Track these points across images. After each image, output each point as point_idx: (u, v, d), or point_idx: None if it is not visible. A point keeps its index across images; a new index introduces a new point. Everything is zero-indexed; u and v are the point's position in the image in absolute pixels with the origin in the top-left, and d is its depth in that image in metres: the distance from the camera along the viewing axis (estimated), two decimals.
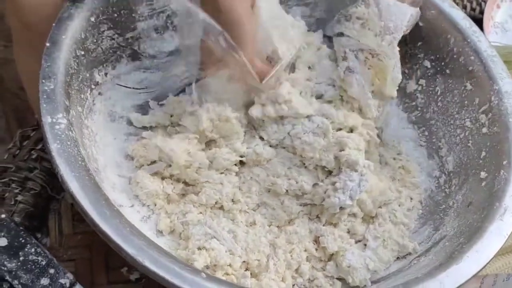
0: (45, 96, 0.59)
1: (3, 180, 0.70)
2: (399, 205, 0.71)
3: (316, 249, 0.68)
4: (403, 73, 0.77)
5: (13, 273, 0.57)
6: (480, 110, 0.71)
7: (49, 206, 0.72)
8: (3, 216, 0.61)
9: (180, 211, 0.67)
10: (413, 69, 0.80)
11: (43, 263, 0.58)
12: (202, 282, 0.51)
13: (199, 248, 0.63)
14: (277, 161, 0.70)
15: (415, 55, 0.79)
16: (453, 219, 0.68)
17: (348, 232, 0.69)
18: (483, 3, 0.95)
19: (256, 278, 0.64)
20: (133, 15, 0.73)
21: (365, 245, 0.69)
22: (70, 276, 0.58)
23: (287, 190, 0.69)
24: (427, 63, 0.78)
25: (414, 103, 0.80)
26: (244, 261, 0.64)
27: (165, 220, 0.67)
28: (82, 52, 0.66)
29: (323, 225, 0.69)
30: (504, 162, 0.65)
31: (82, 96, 0.66)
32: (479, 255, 0.58)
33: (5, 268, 0.57)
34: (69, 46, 0.64)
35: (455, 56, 0.75)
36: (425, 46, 0.78)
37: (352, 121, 0.73)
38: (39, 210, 0.70)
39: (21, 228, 0.61)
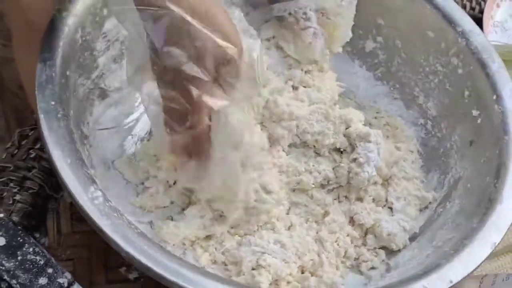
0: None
1: (1, 180, 0.69)
2: (404, 161, 0.75)
3: (353, 229, 0.70)
4: (357, 33, 0.79)
5: (11, 272, 0.56)
6: (450, 53, 0.75)
7: (48, 205, 0.71)
8: (1, 215, 0.59)
9: (216, 242, 0.66)
10: (368, 28, 0.82)
11: (41, 262, 0.57)
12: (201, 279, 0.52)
13: (253, 269, 0.63)
14: (293, 160, 0.70)
15: (366, 14, 0.81)
16: (460, 159, 0.72)
17: (373, 201, 0.72)
18: (482, 3, 0.95)
19: (315, 275, 0.65)
20: (93, 53, 0.69)
21: (391, 208, 0.72)
22: (68, 275, 0.57)
23: (313, 184, 0.69)
24: (381, 20, 0.81)
25: (376, 61, 0.83)
26: (299, 265, 0.65)
27: (204, 255, 0.65)
28: (72, 111, 0.62)
29: (351, 204, 0.71)
30: (494, 97, 0.70)
31: (83, 156, 0.62)
32: None
33: (3, 268, 0.56)
34: (61, 112, 0.59)
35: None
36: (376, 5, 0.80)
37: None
38: (37, 209, 0.69)
39: (19, 227, 0.59)
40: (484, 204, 0.63)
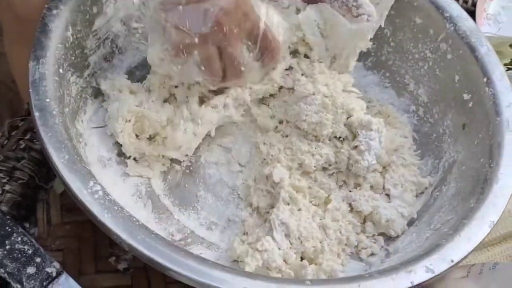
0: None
1: None
2: (402, 148, 0.75)
3: (353, 216, 0.70)
4: None
5: None
6: (438, 39, 0.76)
7: (38, 195, 0.71)
8: None
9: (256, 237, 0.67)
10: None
11: (30, 252, 0.57)
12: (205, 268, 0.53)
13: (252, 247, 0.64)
14: (296, 139, 0.72)
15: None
16: (453, 143, 0.73)
17: (371, 188, 0.72)
18: None
19: (314, 263, 0.65)
20: (84, 51, 0.69)
21: (388, 195, 0.72)
22: (57, 265, 0.57)
23: (315, 166, 0.70)
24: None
25: (365, 50, 0.83)
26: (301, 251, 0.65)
27: (242, 248, 0.66)
28: (67, 109, 0.62)
29: (350, 190, 0.71)
30: (484, 79, 0.71)
31: (80, 153, 0.62)
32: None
33: None
34: (56, 109, 0.59)
35: None
36: None
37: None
38: (27, 199, 0.69)
39: (7, 217, 0.59)
40: (480, 185, 0.64)
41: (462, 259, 0.57)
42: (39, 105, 0.57)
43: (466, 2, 0.95)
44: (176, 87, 0.71)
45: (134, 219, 0.54)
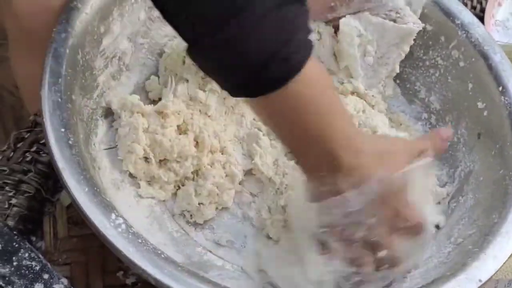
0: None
1: None
2: None
3: None
4: None
5: (7, 278, 0.56)
6: (450, 46, 0.75)
7: (44, 209, 0.70)
8: None
9: None
10: None
11: (37, 268, 0.57)
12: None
13: None
14: None
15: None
16: (468, 153, 0.73)
17: None
18: (483, 1, 0.95)
19: None
20: (93, 72, 0.67)
21: None
22: (65, 281, 0.57)
23: None
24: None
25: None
26: None
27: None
28: (81, 136, 0.60)
29: None
30: (500, 88, 0.70)
31: (97, 181, 0.60)
32: None
33: None
34: (72, 139, 0.57)
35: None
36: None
37: None
38: (33, 213, 0.68)
39: (14, 232, 0.59)
40: (502, 198, 0.64)
41: (490, 278, 0.57)
42: (55, 136, 0.56)
43: (475, 8, 0.95)
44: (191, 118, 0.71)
45: (159, 252, 0.53)
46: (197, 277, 0.53)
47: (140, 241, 0.53)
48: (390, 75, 0.76)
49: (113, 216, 0.53)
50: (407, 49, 0.74)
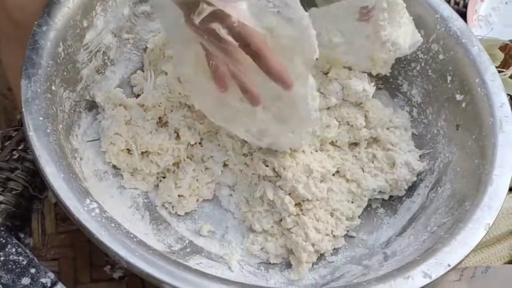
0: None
1: None
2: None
3: None
4: None
5: None
6: (430, 40, 0.76)
7: (32, 206, 0.71)
8: None
9: None
10: None
11: (24, 262, 0.58)
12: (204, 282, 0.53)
13: None
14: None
15: None
16: (447, 144, 0.73)
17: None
18: None
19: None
20: (76, 65, 0.69)
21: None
22: (52, 275, 0.58)
23: None
24: None
25: None
26: None
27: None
28: (60, 126, 0.62)
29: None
30: (477, 80, 0.71)
31: (75, 169, 0.62)
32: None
33: None
34: (50, 127, 0.59)
35: None
36: None
37: None
38: (21, 210, 0.70)
39: (1, 228, 0.60)
40: (475, 186, 0.64)
41: (459, 263, 0.57)
42: (33, 125, 0.57)
43: (458, 4, 0.95)
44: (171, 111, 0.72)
45: (132, 235, 0.55)
46: (168, 259, 0.54)
47: (113, 225, 0.54)
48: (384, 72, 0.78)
49: (88, 201, 0.55)
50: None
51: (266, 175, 0.69)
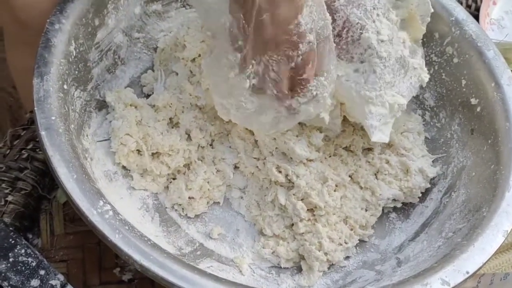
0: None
1: None
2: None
3: None
4: None
5: (3, 274, 0.56)
6: (444, 43, 0.75)
7: (40, 206, 0.70)
8: None
9: None
10: None
11: (33, 264, 0.57)
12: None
13: None
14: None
15: None
16: (461, 149, 0.72)
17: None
18: (478, 0, 0.95)
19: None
20: (88, 64, 0.68)
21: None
22: (61, 277, 0.57)
23: None
24: None
25: None
26: None
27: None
28: (72, 126, 0.61)
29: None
30: (492, 84, 0.70)
31: (88, 170, 0.61)
32: None
33: None
34: (62, 127, 0.58)
35: None
36: None
37: None
38: (30, 210, 0.68)
39: (11, 229, 0.59)
40: (492, 192, 0.63)
41: (477, 270, 0.56)
42: (45, 124, 0.56)
43: (470, 7, 0.95)
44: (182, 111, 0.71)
45: (146, 238, 0.54)
46: (182, 263, 0.53)
47: (127, 227, 0.53)
48: None
49: (101, 203, 0.54)
50: None
51: (277, 181, 0.68)
